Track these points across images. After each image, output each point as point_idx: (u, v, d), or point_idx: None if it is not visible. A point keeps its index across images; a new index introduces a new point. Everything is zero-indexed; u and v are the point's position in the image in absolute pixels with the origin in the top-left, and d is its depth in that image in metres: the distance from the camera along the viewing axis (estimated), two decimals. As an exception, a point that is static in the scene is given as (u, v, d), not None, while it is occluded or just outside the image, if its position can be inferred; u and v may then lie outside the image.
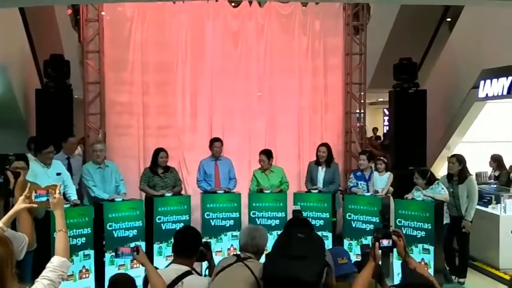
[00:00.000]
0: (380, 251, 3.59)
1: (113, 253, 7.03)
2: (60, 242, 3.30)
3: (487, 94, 9.59)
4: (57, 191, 3.42)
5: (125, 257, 4.14)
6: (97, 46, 10.19)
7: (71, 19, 13.22)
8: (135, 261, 7.17)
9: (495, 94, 9.40)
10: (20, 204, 3.39)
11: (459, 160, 8.20)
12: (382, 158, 8.98)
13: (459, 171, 8.12)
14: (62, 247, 3.27)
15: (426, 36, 12.61)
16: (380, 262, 3.70)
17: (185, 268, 4.04)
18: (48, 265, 3.17)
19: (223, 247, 8.29)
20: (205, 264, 4.77)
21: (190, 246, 4.19)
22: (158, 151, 8.51)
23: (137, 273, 6.54)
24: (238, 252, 4.46)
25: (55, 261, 3.17)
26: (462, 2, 9.33)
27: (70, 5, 12.15)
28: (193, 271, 4.13)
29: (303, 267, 3.14)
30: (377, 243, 3.60)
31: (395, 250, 3.73)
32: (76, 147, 9.68)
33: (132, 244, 7.29)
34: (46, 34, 11.55)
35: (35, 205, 3.40)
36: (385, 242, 3.60)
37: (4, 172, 4.36)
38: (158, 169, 8.45)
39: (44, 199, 3.38)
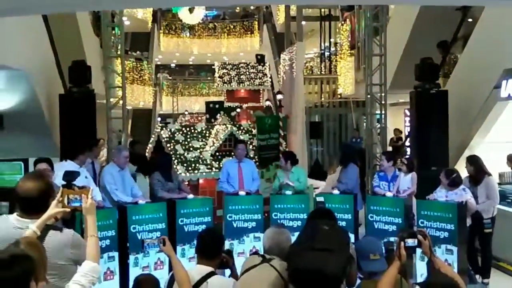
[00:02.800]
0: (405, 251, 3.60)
1: (137, 254, 7.25)
2: (91, 248, 3.34)
3: (509, 94, 9.49)
4: (89, 196, 3.45)
5: (151, 248, 4.20)
6: (119, 51, 10.30)
7: (92, 25, 13.41)
8: (159, 262, 7.46)
9: (518, 94, 9.31)
10: (53, 209, 3.41)
11: (470, 161, 8.26)
12: (402, 159, 8.96)
13: (474, 172, 8.09)
14: (93, 253, 3.32)
15: (447, 37, 12.51)
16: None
17: (209, 269, 4.08)
18: (79, 269, 3.22)
19: (245, 249, 8.31)
20: (227, 271, 4.80)
21: (213, 247, 4.22)
22: (170, 158, 8.67)
23: (161, 275, 6.59)
24: (262, 253, 4.50)
25: (87, 266, 3.22)
26: (480, 3, 9.24)
27: (91, 11, 12.32)
28: (216, 272, 4.17)
29: (329, 259, 3.13)
30: (402, 243, 3.61)
31: (418, 250, 3.72)
32: (101, 150, 9.85)
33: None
34: (68, 40, 11.70)
35: (68, 210, 3.43)
36: (410, 242, 3.61)
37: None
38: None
39: (77, 204, 3.41)
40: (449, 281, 3.18)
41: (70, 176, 5.34)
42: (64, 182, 5.07)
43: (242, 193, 8.68)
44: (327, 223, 3.60)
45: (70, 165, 7.48)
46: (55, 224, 3.54)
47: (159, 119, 25.84)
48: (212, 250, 4.21)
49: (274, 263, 4.24)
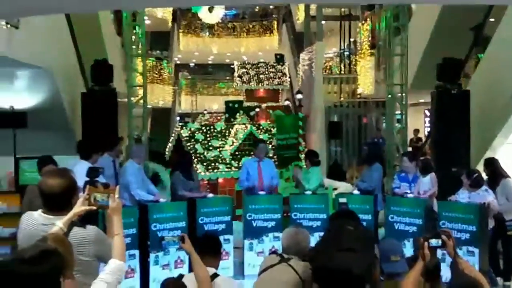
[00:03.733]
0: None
1: (157, 253, 7.29)
2: (117, 246, 3.36)
3: (532, 94, 9.40)
4: (116, 195, 3.48)
5: (170, 246, 4.21)
6: (140, 50, 10.38)
7: (114, 24, 13.51)
8: (179, 260, 7.50)
9: (541, 94, 9.21)
10: (79, 207, 3.42)
11: (487, 163, 8.22)
12: (422, 160, 8.92)
13: (491, 175, 8.03)
14: (119, 251, 3.35)
15: (469, 37, 12.41)
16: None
17: (212, 270, 4.15)
18: (106, 268, 3.25)
19: (265, 248, 8.33)
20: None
21: (210, 250, 4.34)
22: (191, 157, 8.73)
23: (181, 272, 6.62)
24: (280, 252, 4.52)
25: (113, 264, 3.25)
26: (503, 2, 9.14)
27: (113, 11, 12.41)
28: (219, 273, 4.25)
29: (354, 259, 3.13)
30: (426, 243, 3.59)
31: (438, 251, 3.69)
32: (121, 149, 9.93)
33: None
34: (90, 39, 11.82)
35: (94, 208, 3.44)
36: (434, 242, 3.59)
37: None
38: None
39: (103, 202, 3.41)
40: (474, 282, 3.16)
41: (94, 173, 5.38)
42: (87, 179, 5.10)
43: (262, 192, 8.71)
44: (351, 223, 3.60)
45: (84, 165, 7.40)
46: (78, 220, 3.58)
47: (178, 118, 25.96)
48: (210, 251, 4.32)
49: (292, 262, 4.25)
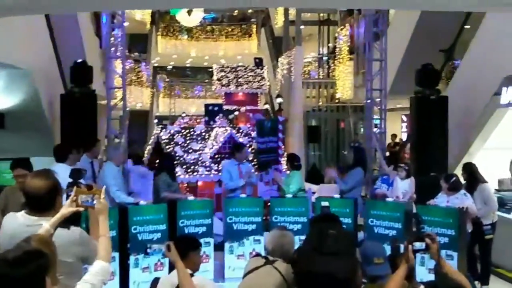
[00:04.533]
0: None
1: (137, 255, 7.24)
2: (102, 247, 3.35)
3: (510, 101, 9.56)
4: (102, 196, 3.46)
5: (156, 254, 4.19)
6: (119, 52, 10.31)
7: (93, 25, 13.40)
8: (159, 263, 7.45)
9: (518, 101, 9.38)
10: (67, 208, 3.41)
11: (465, 168, 8.39)
12: (402, 165, 9.00)
13: (468, 180, 8.15)
14: (104, 252, 3.33)
15: (447, 43, 12.59)
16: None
17: (188, 271, 4.14)
18: (90, 269, 3.22)
19: (245, 251, 8.30)
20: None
21: (183, 251, 4.27)
22: (173, 157, 8.68)
23: (161, 275, 6.58)
24: (264, 254, 4.52)
25: (98, 266, 3.22)
26: (480, 9, 9.28)
27: (92, 12, 12.31)
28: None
29: (337, 263, 3.14)
30: (410, 246, 3.62)
31: (418, 255, 3.71)
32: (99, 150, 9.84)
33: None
34: (69, 40, 11.70)
35: (81, 209, 3.43)
36: (418, 245, 3.62)
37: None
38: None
39: (89, 203, 3.42)
40: (458, 285, 3.19)
41: (77, 175, 5.33)
42: (70, 180, 5.06)
43: (242, 195, 8.70)
44: (333, 227, 3.61)
45: (61, 168, 7.30)
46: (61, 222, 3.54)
47: (155, 120, 25.83)
48: (183, 253, 4.25)
49: (277, 265, 4.27)
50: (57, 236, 3.36)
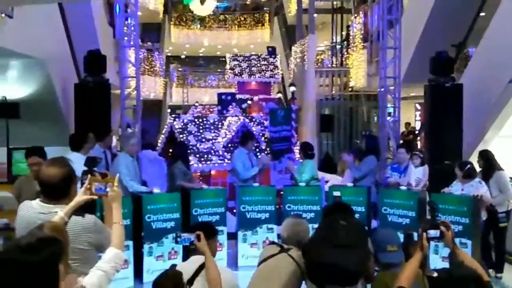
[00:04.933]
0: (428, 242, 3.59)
1: (151, 244, 7.28)
2: (116, 235, 3.37)
3: (524, 88, 9.45)
4: (115, 184, 3.48)
5: (186, 243, 4.18)
6: (132, 41, 10.32)
7: (106, 14, 13.42)
8: (173, 251, 7.50)
9: (533, 88, 9.27)
10: (81, 196, 3.44)
11: (481, 155, 8.30)
12: (417, 152, 8.99)
13: (484, 167, 8.09)
14: (118, 240, 3.35)
15: (462, 31, 12.45)
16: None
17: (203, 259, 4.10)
18: (103, 256, 3.24)
19: (258, 240, 8.34)
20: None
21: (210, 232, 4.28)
22: (187, 146, 8.71)
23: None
24: (279, 243, 4.53)
25: (110, 253, 3.24)
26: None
27: (105, 2, 12.32)
28: None
29: (347, 256, 3.14)
30: (424, 234, 3.60)
31: (431, 243, 3.69)
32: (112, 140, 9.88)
33: (170, 236, 7.49)
34: (82, 29, 11.73)
35: (95, 197, 3.46)
36: (433, 233, 3.60)
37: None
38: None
39: (103, 191, 3.45)
40: (473, 273, 3.17)
41: (92, 163, 5.34)
42: (85, 168, 5.07)
43: (255, 184, 8.73)
44: (344, 218, 3.60)
45: (75, 157, 7.34)
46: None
47: (169, 110, 25.87)
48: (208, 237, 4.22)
49: (292, 253, 4.27)
50: (72, 224, 3.39)
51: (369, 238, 3.92)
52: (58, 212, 3.34)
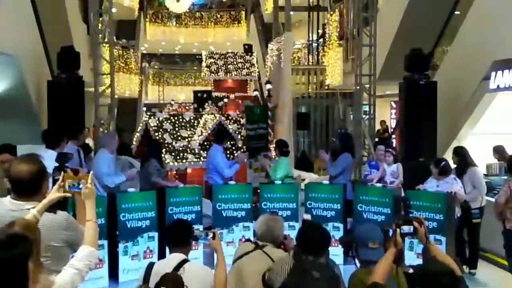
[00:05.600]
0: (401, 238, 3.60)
1: (126, 243, 7.21)
2: (89, 232, 3.33)
3: (498, 86, 9.55)
4: (89, 181, 3.43)
5: (205, 240, 4.22)
6: (106, 38, 10.21)
7: (80, 11, 13.26)
8: (148, 250, 7.43)
9: (507, 86, 9.36)
10: (54, 193, 3.40)
11: (455, 152, 8.39)
12: (390, 150, 9.03)
13: (458, 163, 8.18)
14: (91, 238, 3.31)
15: (436, 28, 12.56)
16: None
17: (183, 256, 4.09)
18: (76, 254, 3.20)
19: (235, 238, 8.30)
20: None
21: (182, 237, 4.21)
22: (160, 144, 8.63)
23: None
24: (253, 240, 4.51)
25: (84, 251, 3.20)
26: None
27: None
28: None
29: None
30: (398, 229, 3.61)
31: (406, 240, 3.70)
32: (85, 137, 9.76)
33: (145, 235, 7.43)
34: (55, 25, 11.57)
35: (68, 195, 3.42)
36: (406, 229, 3.62)
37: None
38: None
39: (77, 189, 3.40)
40: (446, 268, 3.19)
41: (63, 159, 5.28)
42: (56, 164, 5.01)
43: (231, 182, 8.68)
44: (317, 264, 3.56)
45: (47, 154, 7.23)
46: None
47: (144, 108, 25.70)
48: (182, 240, 4.19)
49: (267, 249, 4.27)
50: (44, 220, 3.34)
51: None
52: (31, 210, 3.29)
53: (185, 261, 4.05)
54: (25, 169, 3.45)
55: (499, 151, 9.62)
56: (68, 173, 3.48)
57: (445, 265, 3.29)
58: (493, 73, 9.61)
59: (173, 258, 4.09)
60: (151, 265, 4.09)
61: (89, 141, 11.54)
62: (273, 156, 9.84)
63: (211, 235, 4.18)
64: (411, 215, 3.98)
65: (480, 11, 10.22)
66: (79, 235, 3.41)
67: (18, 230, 2.73)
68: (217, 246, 4.13)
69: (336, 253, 7.52)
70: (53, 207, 3.43)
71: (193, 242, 4.32)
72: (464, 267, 8.08)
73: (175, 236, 4.23)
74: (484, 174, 9.01)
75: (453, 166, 8.32)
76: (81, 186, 3.40)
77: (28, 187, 3.45)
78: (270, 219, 4.54)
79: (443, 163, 7.77)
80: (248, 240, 4.84)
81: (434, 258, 3.62)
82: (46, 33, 10.72)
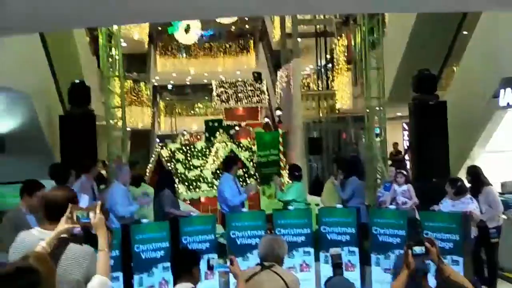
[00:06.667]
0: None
1: (141, 274, 7.19)
2: (101, 262, 3.34)
3: (508, 103, 9.53)
4: (97, 211, 3.46)
5: (220, 268, 4.32)
6: (117, 72, 10.34)
7: (90, 45, 13.47)
8: (163, 281, 7.39)
9: (517, 102, 9.35)
10: (62, 225, 3.41)
11: (469, 171, 8.30)
12: (401, 171, 9.00)
13: (473, 183, 8.11)
14: (103, 267, 3.32)
15: (443, 49, 12.60)
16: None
17: (190, 286, 4.11)
18: (89, 284, 3.21)
19: (250, 266, 8.22)
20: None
21: (186, 266, 4.23)
22: (171, 174, 8.69)
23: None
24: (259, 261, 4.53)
25: (96, 280, 3.21)
26: (475, 8, 9.22)
27: (88, 32, 12.35)
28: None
29: None
30: (409, 251, 3.59)
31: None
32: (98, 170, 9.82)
33: (160, 266, 7.41)
34: (66, 61, 11.75)
35: (77, 226, 3.43)
36: (418, 249, 3.59)
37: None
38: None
39: (86, 220, 3.42)
40: (460, 286, 3.17)
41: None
42: None
43: (244, 209, 8.68)
44: None
45: None
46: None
47: (157, 140, 25.86)
48: (187, 267, 4.22)
49: (276, 269, 4.29)
50: (71, 252, 3.40)
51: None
52: (40, 242, 3.31)
53: None
54: (60, 193, 3.63)
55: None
56: (75, 205, 3.51)
57: (460, 285, 3.26)
58: (502, 91, 9.59)
59: None
60: None
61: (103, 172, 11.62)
62: (286, 182, 9.79)
63: (227, 262, 4.20)
64: (422, 235, 3.96)
65: (486, 29, 10.25)
66: (94, 267, 3.43)
67: (32, 262, 2.75)
68: (237, 271, 4.16)
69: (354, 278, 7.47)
70: (90, 243, 3.48)
71: (208, 272, 4.34)
72: (484, 287, 7.97)
73: (179, 265, 4.26)
74: (499, 192, 8.92)
75: (467, 185, 8.27)
76: (90, 216, 3.42)
77: (62, 211, 3.49)
78: (270, 239, 4.61)
79: (459, 183, 7.69)
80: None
81: (448, 278, 3.58)
82: (57, 69, 10.88)
